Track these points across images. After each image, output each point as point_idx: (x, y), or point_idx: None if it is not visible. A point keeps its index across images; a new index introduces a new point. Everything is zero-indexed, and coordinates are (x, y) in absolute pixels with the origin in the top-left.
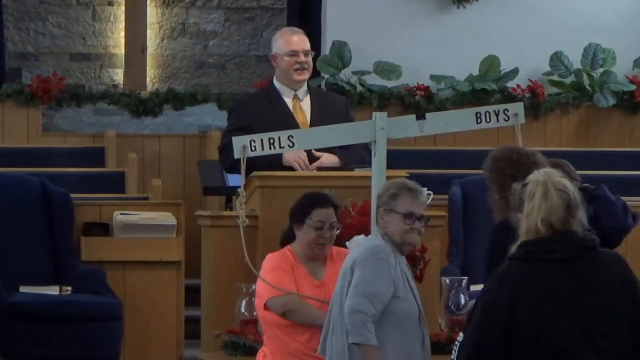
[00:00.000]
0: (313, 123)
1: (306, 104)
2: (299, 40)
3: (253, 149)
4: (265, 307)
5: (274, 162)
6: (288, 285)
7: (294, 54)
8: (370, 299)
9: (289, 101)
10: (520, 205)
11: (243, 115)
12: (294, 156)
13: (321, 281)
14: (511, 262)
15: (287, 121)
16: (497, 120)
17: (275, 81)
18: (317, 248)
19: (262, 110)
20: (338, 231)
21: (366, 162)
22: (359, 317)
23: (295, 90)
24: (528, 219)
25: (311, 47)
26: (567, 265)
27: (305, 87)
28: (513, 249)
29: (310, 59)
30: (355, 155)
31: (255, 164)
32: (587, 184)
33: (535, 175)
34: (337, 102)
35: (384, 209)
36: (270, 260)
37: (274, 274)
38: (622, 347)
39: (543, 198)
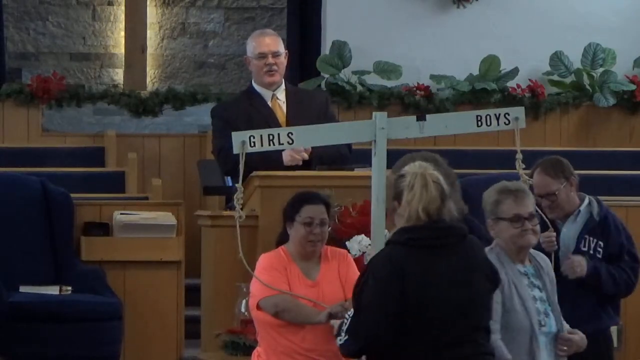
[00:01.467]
0: (289, 121)
1: (284, 103)
2: (269, 42)
3: (252, 144)
4: (258, 307)
5: (273, 164)
6: (280, 285)
7: (262, 56)
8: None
9: (268, 101)
10: (397, 195)
11: (227, 116)
12: (289, 156)
13: (315, 281)
14: (394, 246)
15: (268, 120)
16: (498, 124)
17: (253, 83)
18: (309, 245)
19: (244, 111)
20: (329, 228)
21: (342, 156)
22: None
23: (273, 91)
24: (409, 207)
25: (311, 47)
26: (443, 249)
27: (282, 87)
28: (391, 234)
29: (280, 59)
30: (330, 149)
31: (254, 168)
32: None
33: (412, 168)
34: (314, 99)
35: (492, 219)
36: (263, 260)
37: (267, 274)
38: (480, 321)
39: (423, 189)
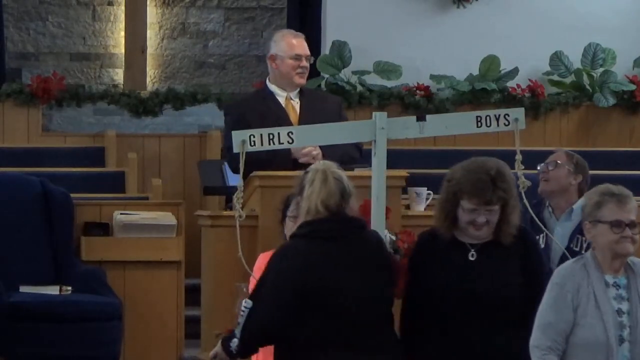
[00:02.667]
0: (302, 122)
1: (297, 104)
2: (302, 45)
3: (252, 144)
4: None
5: (284, 162)
6: None
7: (297, 58)
8: (544, 330)
9: (282, 101)
10: (300, 190)
11: (239, 114)
12: (299, 153)
13: None
14: (295, 239)
15: (281, 119)
16: (498, 125)
17: (268, 82)
18: None
19: (256, 109)
20: None
21: (352, 159)
22: (535, 353)
23: (288, 92)
24: (308, 201)
25: (311, 47)
26: (342, 241)
27: (297, 88)
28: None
29: (309, 64)
30: (338, 150)
31: (264, 167)
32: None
33: (316, 165)
34: (328, 102)
35: (590, 222)
36: (260, 260)
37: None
38: (381, 311)
39: (322, 184)
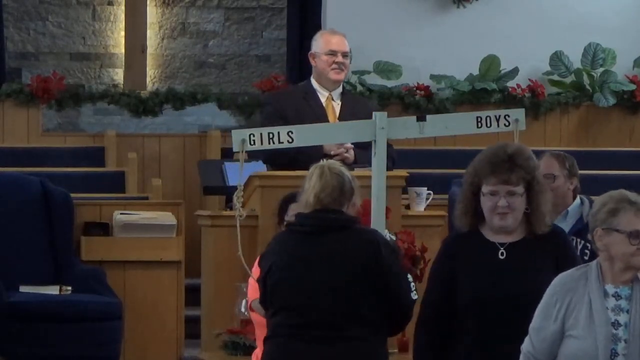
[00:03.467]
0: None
1: (338, 105)
2: (339, 42)
3: (252, 143)
4: (251, 307)
5: (314, 155)
6: None
7: (332, 53)
8: (530, 335)
9: (323, 100)
10: (303, 185)
11: (279, 105)
12: (332, 147)
13: None
14: (283, 231)
15: (318, 117)
16: (498, 125)
17: (312, 80)
18: None
19: (296, 104)
20: None
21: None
22: (521, 358)
23: (330, 91)
24: (305, 194)
25: (311, 47)
26: (319, 237)
27: (340, 89)
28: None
29: (347, 61)
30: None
31: (295, 161)
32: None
33: (319, 162)
34: (365, 106)
35: (603, 229)
36: (258, 261)
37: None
38: (347, 310)
39: (318, 178)
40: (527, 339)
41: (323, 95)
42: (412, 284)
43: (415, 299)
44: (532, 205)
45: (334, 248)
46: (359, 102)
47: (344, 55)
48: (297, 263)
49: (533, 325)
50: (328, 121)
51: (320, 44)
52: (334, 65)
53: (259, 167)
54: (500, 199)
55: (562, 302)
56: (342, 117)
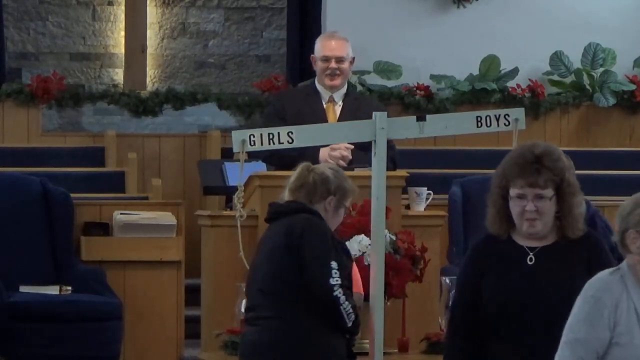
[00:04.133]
0: None
1: (339, 107)
2: (335, 47)
3: (252, 143)
4: None
5: (312, 159)
6: None
7: (326, 59)
8: (572, 347)
9: (324, 102)
10: None
11: (280, 105)
12: (326, 156)
13: None
14: None
15: (318, 119)
16: (498, 125)
17: (316, 81)
18: None
19: (297, 106)
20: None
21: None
22: None
23: (332, 93)
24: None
25: (311, 47)
26: (273, 222)
27: (343, 90)
28: None
29: (344, 65)
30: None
31: (291, 163)
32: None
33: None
34: (369, 106)
35: (637, 231)
36: None
37: None
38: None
39: (297, 174)
40: (567, 353)
41: (325, 97)
42: (336, 271)
43: (335, 285)
44: (563, 209)
45: (273, 231)
46: (363, 102)
47: (339, 60)
48: (258, 248)
49: (576, 336)
50: (327, 122)
51: (317, 48)
52: (328, 71)
53: (259, 167)
54: (528, 203)
55: (609, 308)
56: (342, 118)
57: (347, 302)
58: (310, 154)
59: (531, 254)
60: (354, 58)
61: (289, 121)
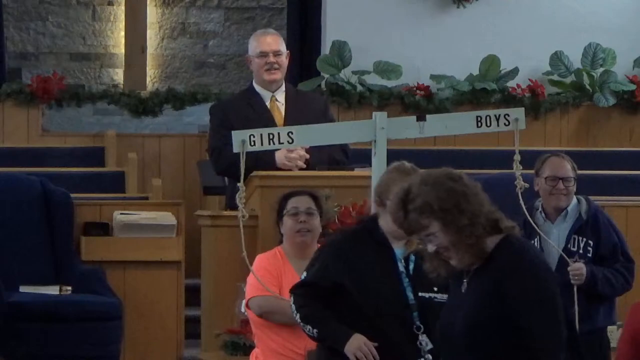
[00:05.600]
0: (287, 123)
1: (282, 105)
2: (270, 41)
3: (252, 144)
4: (248, 306)
5: (264, 166)
6: (269, 286)
7: (263, 54)
8: None
9: (267, 102)
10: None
11: (223, 115)
12: (283, 158)
13: None
14: None
15: (265, 121)
16: (498, 125)
17: (254, 83)
18: (297, 237)
19: (241, 111)
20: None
21: (337, 163)
22: None
23: (273, 92)
24: None
25: (311, 47)
26: None
27: (282, 88)
28: None
29: (282, 59)
30: (323, 155)
31: (247, 169)
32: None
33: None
34: (313, 101)
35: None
36: (257, 261)
37: (258, 275)
38: None
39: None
40: None
41: (267, 97)
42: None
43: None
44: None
45: None
46: (306, 98)
47: (276, 54)
48: None
49: None
50: (275, 122)
51: (252, 46)
52: (267, 66)
53: None
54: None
55: None
56: (288, 116)
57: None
58: (266, 159)
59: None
60: (289, 53)
61: (237, 128)
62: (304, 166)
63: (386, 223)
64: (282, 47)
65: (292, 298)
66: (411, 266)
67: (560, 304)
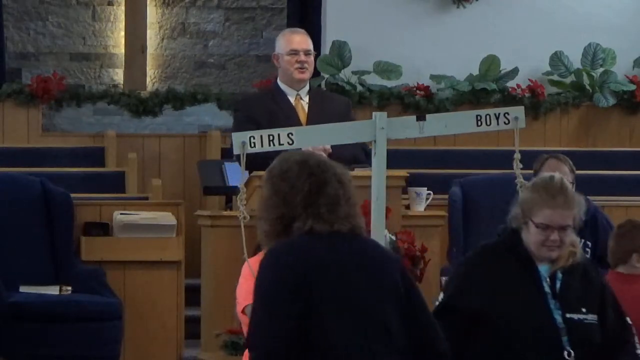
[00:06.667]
0: (310, 122)
1: (306, 104)
2: (300, 40)
3: (252, 145)
4: (244, 312)
5: None
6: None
7: (294, 53)
8: None
9: (292, 100)
10: None
11: (250, 112)
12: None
13: None
14: None
15: (290, 119)
16: (498, 124)
17: (278, 81)
18: None
19: (267, 108)
20: None
21: (359, 162)
22: None
23: (297, 90)
24: None
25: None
26: None
27: (307, 87)
28: None
29: (311, 59)
30: (346, 154)
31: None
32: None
33: None
34: (336, 102)
35: None
36: (245, 267)
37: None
38: None
39: None
40: None
41: (291, 95)
42: None
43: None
44: None
45: None
46: (328, 98)
47: (306, 53)
48: None
49: None
50: (299, 121)
51: (281, 44)
52: (297, 65)
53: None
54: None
55: None
56: (311, 114)
57: None
58: None
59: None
60: (316, 54)
61: (262, 124)
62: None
63: (532, 236)
64: (311, 47)
65: None
66: (558, 285)
67: (281, 300)
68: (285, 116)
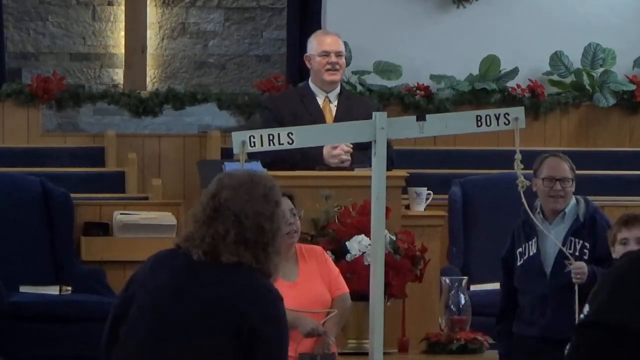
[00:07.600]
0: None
1: (335, 107)
2: (332, 41)
3: (252, 144)
4: None
5: (315, 161)
6: None
7: (325, 54)
8: None
9: (320, 102)
10: None
11: (276, 109)
12: (327, 156)
13: (294, 282)
14: None
15: (316, 121)
16: (498, 124)
17: (310, 82)
18: (287, 238)
19: (294, 107)
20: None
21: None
22: None
23: (327, 93)
24: None
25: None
26: None
27: (337, 90)
28: None
29: (342, 60)
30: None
31: (294, 164)
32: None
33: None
34: (365, 106)
35: None
36: None
37: None
38: None
39: None
40: None
41: (320, 97)
42: None
43: None
44: None
45: None
46: (357, 102)
47: (338, 54)
48: None
49: None
50: (325, 122)
51: (313, 45)
52: (328, 66)
53: (258, 168)
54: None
55: None
56: (338, 117)
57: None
58: (314, 154)
59: None
60: (347, 57)
61: (287, 124)
62: (349, 160)
63: None
64: (343, 48)
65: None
66: None
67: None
68: (311, 117)
